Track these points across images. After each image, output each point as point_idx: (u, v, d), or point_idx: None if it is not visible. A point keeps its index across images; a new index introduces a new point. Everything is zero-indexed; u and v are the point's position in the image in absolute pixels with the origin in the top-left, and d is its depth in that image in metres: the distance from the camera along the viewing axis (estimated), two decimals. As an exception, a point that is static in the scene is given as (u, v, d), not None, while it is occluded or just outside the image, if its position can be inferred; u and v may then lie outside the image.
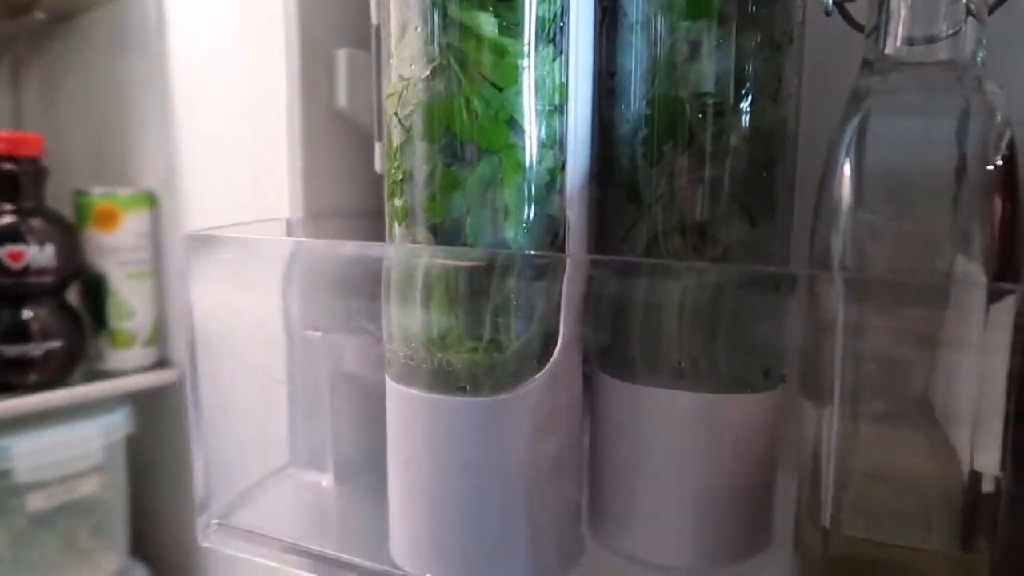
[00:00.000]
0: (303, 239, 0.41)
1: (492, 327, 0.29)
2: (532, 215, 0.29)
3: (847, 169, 0.25)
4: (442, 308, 0.29)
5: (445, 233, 0.29)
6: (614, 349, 0.31)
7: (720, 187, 0.30)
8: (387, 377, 0.32)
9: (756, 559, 0.32)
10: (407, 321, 0.30)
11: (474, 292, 0.29)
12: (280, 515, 0.39)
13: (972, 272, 0.23)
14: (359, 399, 0.40)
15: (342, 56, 0.41)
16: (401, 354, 0.30)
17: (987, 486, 0.22)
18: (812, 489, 0.25)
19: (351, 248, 0.33)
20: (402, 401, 0.31)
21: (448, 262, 0.29)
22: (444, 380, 0.30)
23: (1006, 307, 0.22)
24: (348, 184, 0.43)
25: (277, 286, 0.37)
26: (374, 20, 0.39)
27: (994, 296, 0.21)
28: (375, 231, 0.41)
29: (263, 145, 0.43)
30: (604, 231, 0.32)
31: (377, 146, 0.41)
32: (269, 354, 0.40)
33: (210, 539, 0.36)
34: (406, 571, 0.32)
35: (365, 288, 0.33)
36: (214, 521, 0.36)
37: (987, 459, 0.22)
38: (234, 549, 0.35)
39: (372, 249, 0.31)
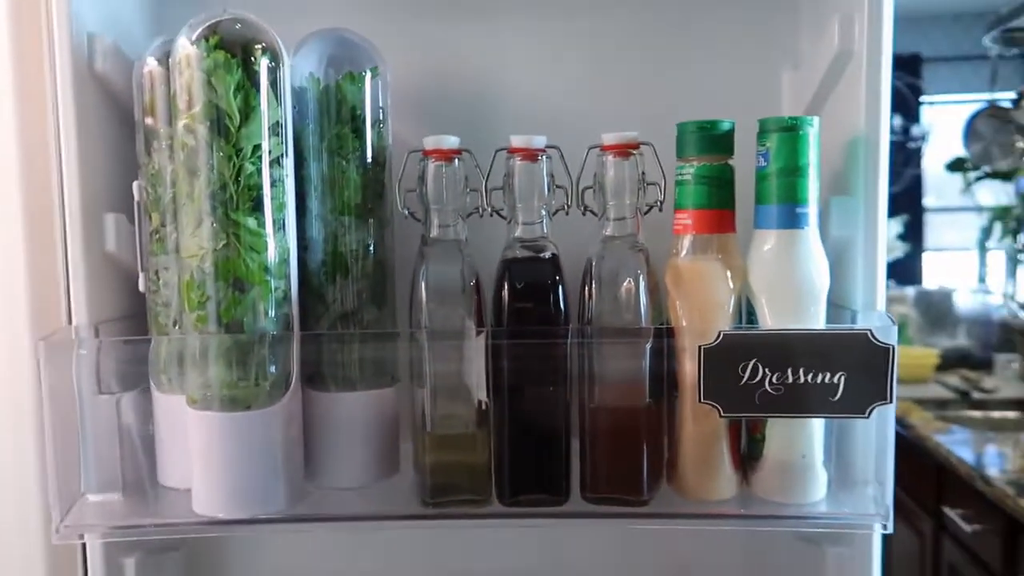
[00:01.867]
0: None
1: (257, 372, 0.57)
2: (276, 314, 0.58)
3: (422, 285, 0.59)
4: (229, 365, 0.57)
5: (231, 328, 0.57)
6: (315, 375, 0.62)
7: (363, 293, 0.63)
8: (191, 409, 0.57)
9: (393, 476, 0.64)
10: (207, 374, 0.57)
11: (247, 356, 0.57)
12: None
13: (470, 325, 0.59)
14: (137, 439, 0.63)
15: (110, 218, 0.64)
16: (207, 393, 0.57)
17: (483, 405, 0.58)
18: (420, 423, 0.59)
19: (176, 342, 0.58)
20: (205, 421, 0.57)
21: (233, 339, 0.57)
22: (232, 404, 0.57)
23: (482, 339, 0.58)
24: (115, 301, 0.65)
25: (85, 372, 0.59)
26: (137, 199, 0.64)
27: (479, 333, 0.57)
28: (137, 328, 0.65)
29: (44, 284, 0.64)
30: (304, 319, 0.62)
31: (141, 275, 0.64)
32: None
33: (61, 535, 0.56)
34: (209, 515, 0.57)
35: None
36: (63, 524, 0.57)
37: (483, 394, 0.58)
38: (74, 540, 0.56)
39: (190, 338, 0.57)
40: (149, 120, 0.63)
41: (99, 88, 0.65)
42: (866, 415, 0.53)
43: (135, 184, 0.64)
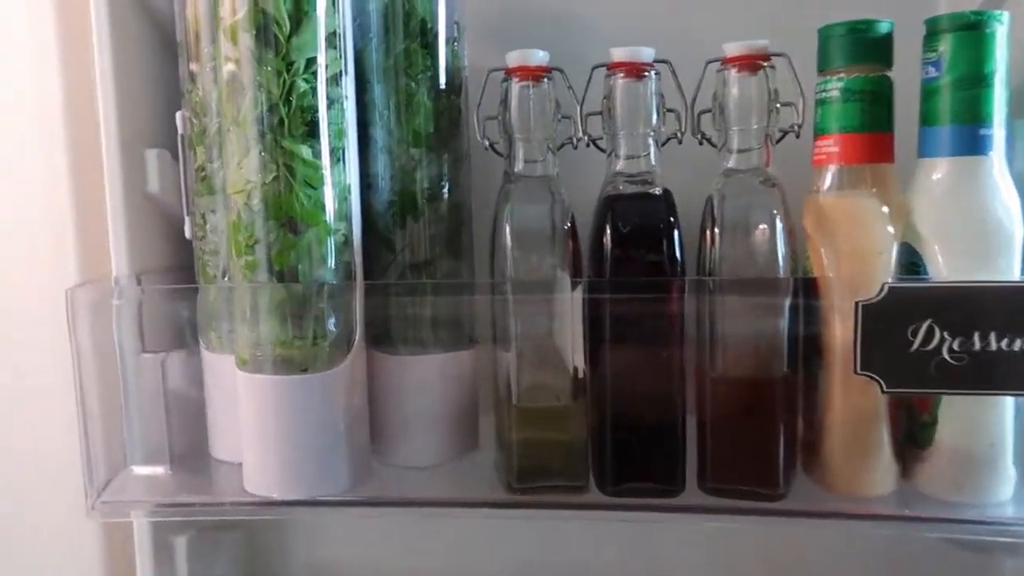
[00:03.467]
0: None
1: (314, 329, 0.49)
2: (335, 262, 0.49)
3: (506, 228, 0.49)
4: (283, 321, 0.48)
5: (284, 276, 0.48)
6: (382, 335, 0.53)
7: (437, 240, 0.54)
8: (241, 372, 0.49)
9: (473, 454, 0.55)
10: (258, 331, 0.48)
11: (303, 309, 0.48)
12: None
13: (564, 277, 0.49)
14: (182, 408, 0.55)
15: (152, 154, 0.57)
16: (258, 354, 0.48)
17: (580, 372, 0.48)
18: (504, 393, 0.49)
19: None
20: (256, 386, 0.49)
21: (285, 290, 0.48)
22: (286, 366, 0.49)
23: (579, 293, 0.48)
24: (159, 248, 0.58)
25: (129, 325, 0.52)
26: (181, 131, 0.56)
27: (574, 285, 0.47)
28: (183, 280, 0.57)
29: (86, 221, 0.56)
30: (369, 270, 0.53)
31: (187, 219, 0.56)
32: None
33: (100, 512, 0.49)
34: (262, 495, 0.49)
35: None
36: (100, 500, 0.50)
37: (580, 359, 0.48)
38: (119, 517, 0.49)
39: (239, 288, 0.49)
40: (192, 40, 0.54)
41: (137, 4, 0.56)
42: (1081, 393, 0.41)
43: (178, 114, 0.56)
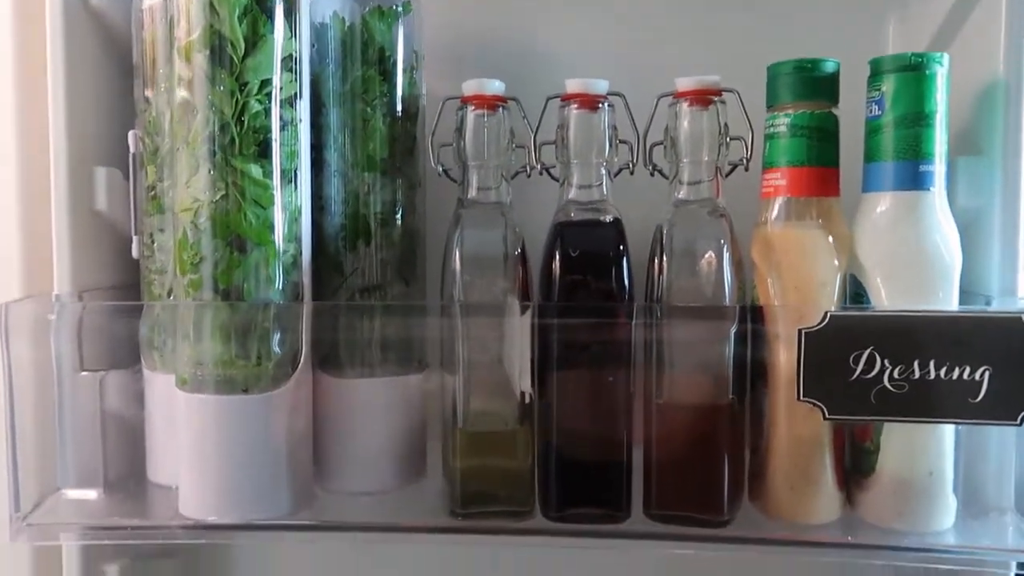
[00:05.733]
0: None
1: (258, 349, 0.48)
2: (283, 283, 0.49)
3: (456, 253, 0.49)
4: (226, 339, 0.47)
5: (229, 295, 0.47)
6: (329, 357, 0.52)
7: (388, 265, 0.53)
8: (180, 391, 0.48)
9: (420, 481, 0.54)
10: (200, 349, 0.47)
11: (247, 329, 0.48)
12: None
13: (513, 301, 0.49)
14: (119, 429, 0.54)
15: (101, 172, 0.56)
16: (199, 373, 0.47)
17: (527, 397, 0.48)
18: (450, 417, 0.49)
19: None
20: (195, 406, 0.48)
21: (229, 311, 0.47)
22: (228, 386, 0.48)
23: (527, 318, 0.48)
24: (105, 266, 0.57)
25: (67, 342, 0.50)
26: (132, 150, 0.55)
27: (523, 310, 0.47)
28: (129, 299, 0.56)
29: (33, 237, 0.55)
30: (318, 293, 0.53)
31: (135, 238, 0.56)
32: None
33: (26, 534, 0.47)
34: (198, 518, 0.48)
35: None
36: (26, 523, 0.48)
37: (527, 384, 0.47)
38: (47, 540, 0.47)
39: (183, 306, 0.48)
40: (149, 64, 0.54)
41: (94, 24, 0.56)
42: (1018, 422, 0.41)
43: (131, 133, 0.55)
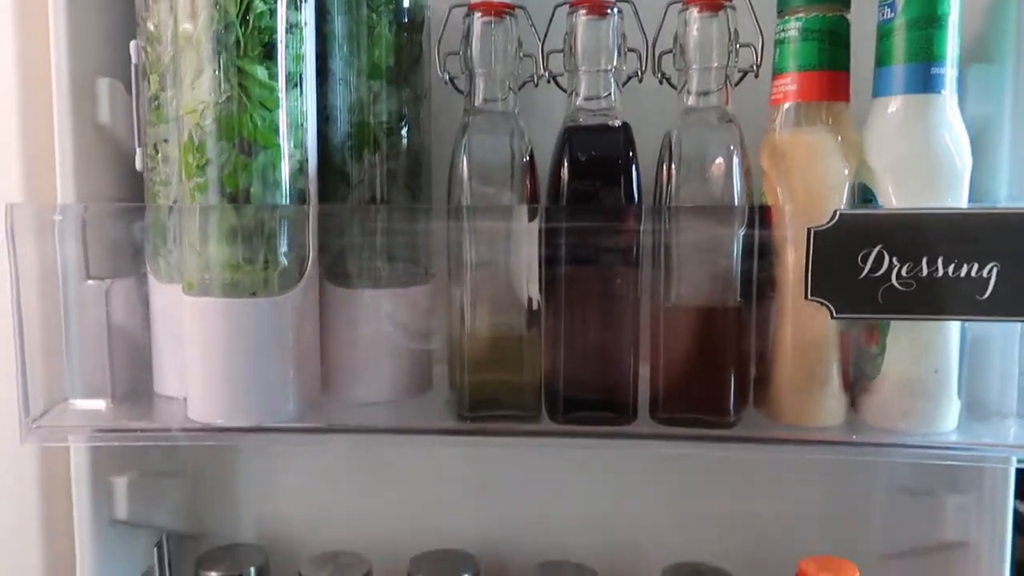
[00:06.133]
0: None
1: (265, 254, 0.48)
2: (289, 188, 0.49)
3: (464, 160, 0.49)
4: (233, 243, 0.47)
5: (235, 199, 0.47)
6: (335, 267, 0.52)
7: (394, 175, 0.53)
8: (187, 296, 0.48)
9: (425, 394, 0.55)
10: (206, 254, 0.47)
11: (254, 232, 0.47)
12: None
13: (519, 205, 0.48)
14: (126, 339, 0.54)
15: (103, 84, 0.55)
16: (206, 277, 0.47)
17: (535, 303, 0.48)
18: (458, 323, 0.49)
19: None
20: (202, 309, 0.48)
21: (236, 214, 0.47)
22: (234, 289, 0.48)
23: (535, 223, 0.48)
24: (108, 179, 0.56)
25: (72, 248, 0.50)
26: (135, 60, 0.54)
27: (531, 213, 0.47)
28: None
29: (36, 148, 0.55)
30: (325, 202, 0.52)
31: (139, 151, 0.55)
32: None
33: (38, 436, 0.47)
34: (205, 421, 0.48)
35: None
36: (34, 424, 0.48)
37: (535, 289, 0.47)
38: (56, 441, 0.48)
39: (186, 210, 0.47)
40: (150, -34, 0.53)
41: (93, -72, 0.55)
42: (1026, 317, 0.42)
43: (132, 44, 0.54)
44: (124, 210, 0.53)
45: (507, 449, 0.60)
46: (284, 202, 0.48)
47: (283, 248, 0.48)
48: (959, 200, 0.46)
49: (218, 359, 0.48)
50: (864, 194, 0.48)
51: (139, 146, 0.55)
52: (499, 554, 0.60)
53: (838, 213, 0.43)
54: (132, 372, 0.54)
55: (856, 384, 0.48)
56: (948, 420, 0.46)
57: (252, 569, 0.58)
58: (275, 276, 0.48)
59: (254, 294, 0.48)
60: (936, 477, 0.53)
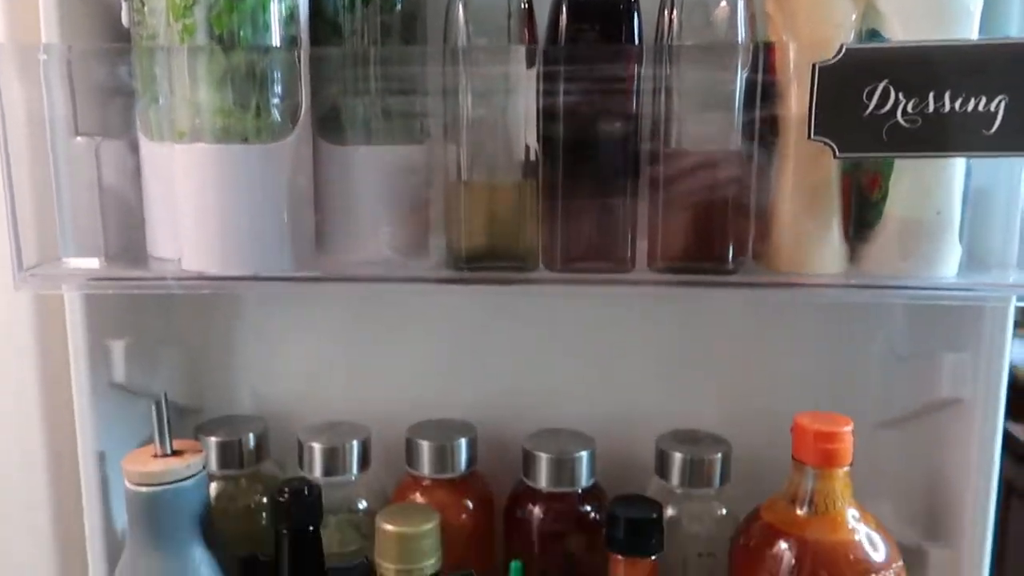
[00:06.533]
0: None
1: (256, 101, 0.47)
2: (281, 33, 0.47)
3: (459, 8, 0.47)
4: (224, 87, 0.46)
5: (225, 41, 0.46)
6: (329, 122, 0.51)
7: (388, 28, 0.52)
8: (179, 146, 0.47)
9: (422, 258, 0.54)
10: (196, 100, 0.46)
11: (245, 76, 0.46)
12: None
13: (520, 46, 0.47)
14: (118, 199, 0.53)
15: (87, -66, 0.53)
16: (198, 122, 0.46)
17: (532, 152, 0.47)
18: (454, 173, 0.48)
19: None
20: (193, 157, 0.47)
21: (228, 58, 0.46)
22: (226, 135, 0.47)
23: (533, 70, 0.46)
24: (94, 38, 0.55)
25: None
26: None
27: (529, 55, 0.46)
28: None
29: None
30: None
31: (124, 5, 0.53)
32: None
33: (31, 283, 0.47)
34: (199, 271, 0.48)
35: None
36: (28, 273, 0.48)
37: (532, 138, 0.47)
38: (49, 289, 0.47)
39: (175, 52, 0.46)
40: None
41: None
42: (1033, 151, 0.41)
43: None
44: (110, 51, 0.52)
45: (504, 318, 0.60)
46: (277, 48, 0.47)
47: (275, 95, 0.47)
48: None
49: (211, 208, 0.47)
50: (874, 37, 0.46)
51: (125, 1, 0.53)
52: (496, 423, 0.61)
53: (844, 47, 0.42)
54: (125, 233, 0.53)
55: (857, 234, 0.47)
56: (949, 264, 0.45)
57: (251, 435, 0.59)
58: (268, 123, 0.47)
59: (246, 140, 0.47)
60: (934, 334, 0.53)
